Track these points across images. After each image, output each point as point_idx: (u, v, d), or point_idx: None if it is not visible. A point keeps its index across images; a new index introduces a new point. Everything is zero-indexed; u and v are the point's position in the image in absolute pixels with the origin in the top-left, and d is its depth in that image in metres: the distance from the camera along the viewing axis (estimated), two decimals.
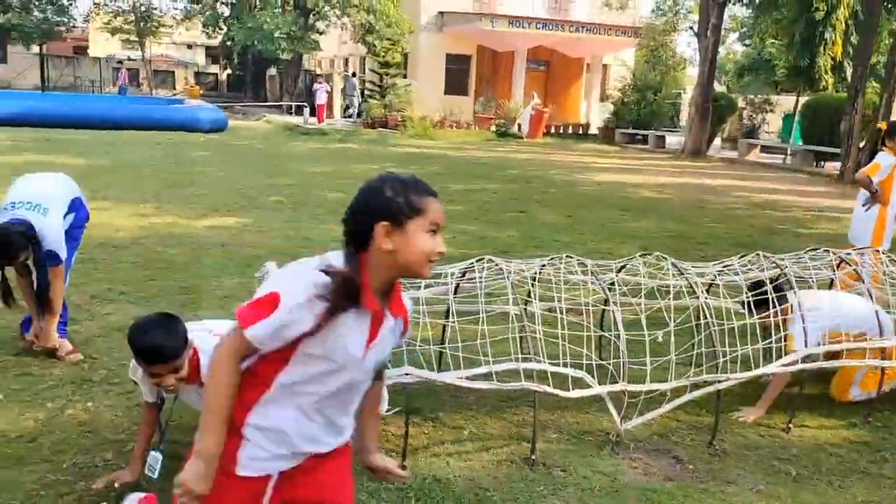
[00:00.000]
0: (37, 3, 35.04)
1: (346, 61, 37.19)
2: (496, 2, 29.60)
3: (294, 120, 25.76)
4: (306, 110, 25.90)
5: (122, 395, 3.67)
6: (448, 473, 3.13)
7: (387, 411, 3.53)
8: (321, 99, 25.94)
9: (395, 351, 3.36)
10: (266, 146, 17.93)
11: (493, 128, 25.92)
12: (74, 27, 40.93)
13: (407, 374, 3.04)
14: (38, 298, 3.96)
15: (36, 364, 4.05)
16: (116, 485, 2.84)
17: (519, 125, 25.84)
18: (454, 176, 13.77)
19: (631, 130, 26.33)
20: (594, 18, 29.85)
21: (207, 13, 35.27)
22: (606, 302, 3.97)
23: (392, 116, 25.22)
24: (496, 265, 3.56)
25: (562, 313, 3.43)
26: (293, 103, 29.32)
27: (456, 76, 29.21)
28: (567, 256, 3.85)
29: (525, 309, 3.42)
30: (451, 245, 7.75)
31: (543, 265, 3.81)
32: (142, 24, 37.75)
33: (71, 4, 36.79)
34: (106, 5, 38.50)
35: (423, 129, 23.92)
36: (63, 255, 3.95)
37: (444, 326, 3.82)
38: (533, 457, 3.28)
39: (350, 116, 28.31)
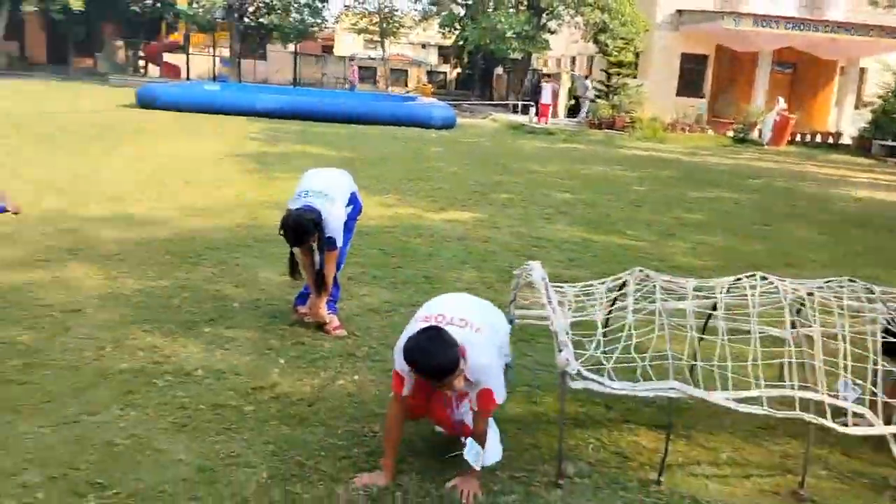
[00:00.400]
0: (295, 5, 38.78)
1: (573, 60, 37.02)
2: None
3: (520, 119, 26.09)
4: (532, 109, 26.12)
5: (384, 372, 3.93)
6: (707, 496, 2.98)
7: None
8: (546, 98, 26.01)
9: (658, 364, 3.27)
10: (493, 144, 18.34)
11: (731, 133, 24.44)
12: (325, 28, 44.69)
13: (672, 389, 2.93)
14: (315, 277, 4.39)
15: (308, 336, 4.47)
16: (374, 488, 2.85)
17: (760, 131, 24.15)
18: (690, 182, 13.17)
19: (892, 143, 23.48)
20: (852, 18, 27.00)
21: (444, 14, 36.82)
22: (889, 332, 3.57)
23: (620, 117, 24.70)
24: (769, 282, 3.34)
25: (844, 341, 3.13)
26: (519, 102, 29.72)
27: (690, 77, 27.86)
28: (849, 280, 3.52)
29: (800, 332, 3.17)
30: (692, 256, 7.43)
31: (821, 287, 3.49)
32: (384, 24, 40.38)
33: (324, 7, 40.23)
34: (354, 7, 41.69)
35: (652, 131, 23.16)
36: (339, 241, 4.34)
37: (696, 342, 3.65)
38: (801, 492, 3.03)
39: (575, 116, 28.14)
